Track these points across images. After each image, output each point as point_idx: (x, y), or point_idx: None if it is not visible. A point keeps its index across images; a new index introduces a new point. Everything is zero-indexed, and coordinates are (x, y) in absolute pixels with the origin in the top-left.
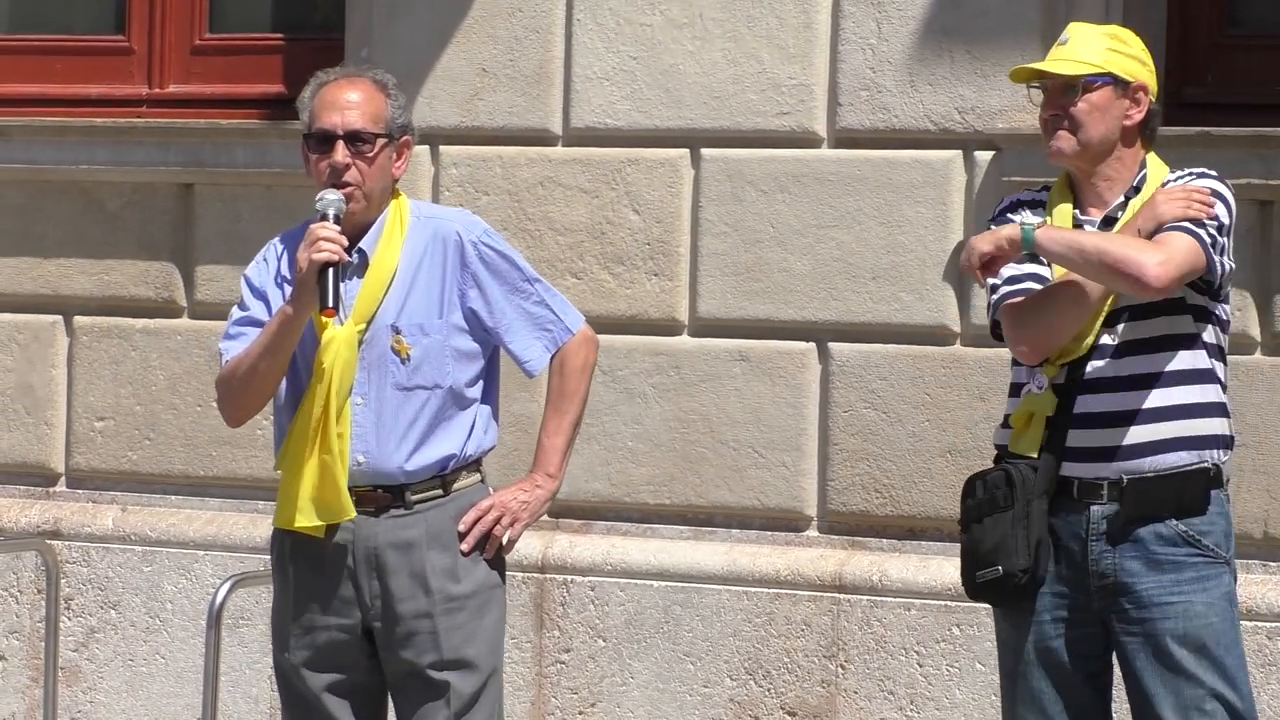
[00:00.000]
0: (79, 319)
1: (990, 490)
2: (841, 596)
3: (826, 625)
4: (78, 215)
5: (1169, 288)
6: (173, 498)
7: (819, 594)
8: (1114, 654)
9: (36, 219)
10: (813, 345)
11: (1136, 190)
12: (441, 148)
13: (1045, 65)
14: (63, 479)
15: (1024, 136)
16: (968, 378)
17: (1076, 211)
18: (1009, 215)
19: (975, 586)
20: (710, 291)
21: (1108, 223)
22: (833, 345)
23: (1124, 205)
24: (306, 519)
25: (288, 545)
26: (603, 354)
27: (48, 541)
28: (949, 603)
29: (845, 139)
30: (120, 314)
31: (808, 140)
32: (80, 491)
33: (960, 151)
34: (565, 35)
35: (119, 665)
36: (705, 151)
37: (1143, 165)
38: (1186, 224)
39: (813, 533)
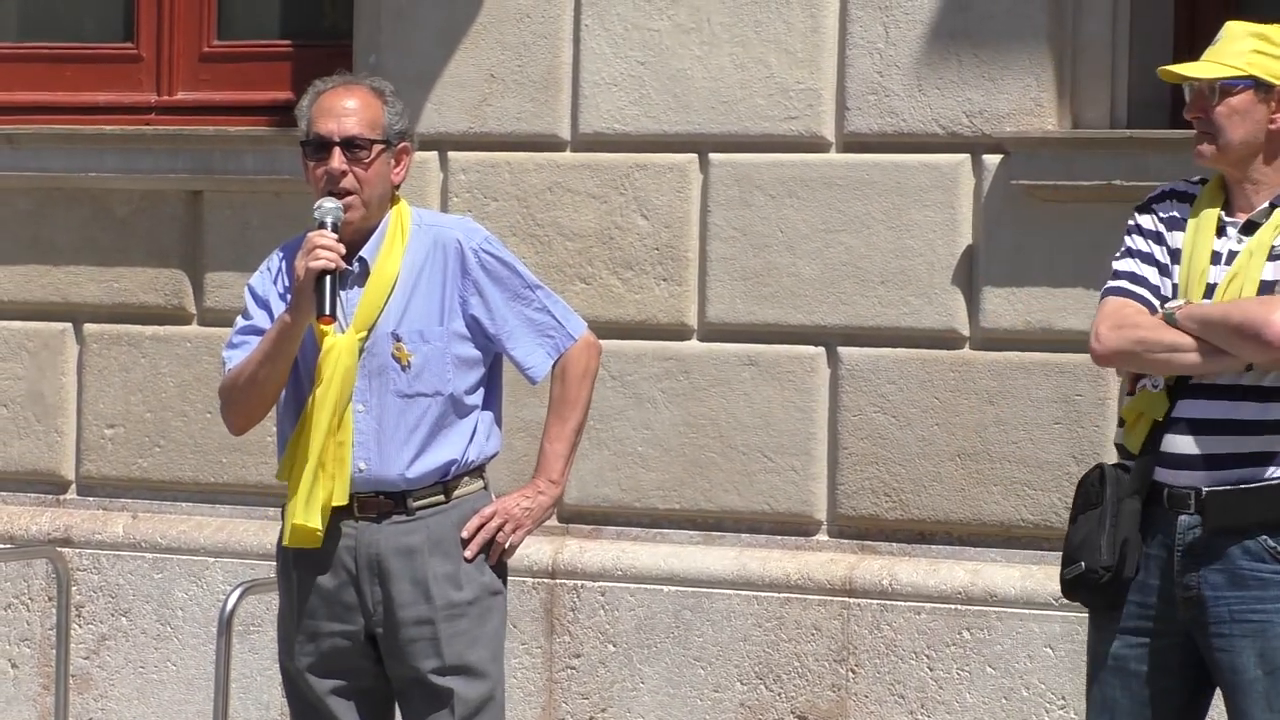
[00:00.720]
0: (88, 326)
1: (1085, 489)
2: (852, 600)
3: (837, 629)
4: (87, 222)
5: None
6: (183, 504)
7: (829, 598)
8: (1207, 668)
9: (46, 226)
10: (822, 349)
11: None
12: (450, 154)
13: (1184, 68)
14: (73, 486)
15: (1032, 140)
16: (977, 381)
17: (1222, 213)
18: (1154, 206)
19: (1064, 584)
20: (719, 296)
21: (1249, 226)
22: (842, 349)
23: (1269, 211)
24: (304, 519)
25: (291, 552)
26: (612, 359)
27: (58, 549)
28: (959, 606)
29: (853, 143)
30: (130, 321)
31: (816, 145)
32: (90, 499)
33: (968, 155)
34: (573, 41)
35: (130, 672)
36: (713, 156)
37: None
38: None
39: (823, 537)
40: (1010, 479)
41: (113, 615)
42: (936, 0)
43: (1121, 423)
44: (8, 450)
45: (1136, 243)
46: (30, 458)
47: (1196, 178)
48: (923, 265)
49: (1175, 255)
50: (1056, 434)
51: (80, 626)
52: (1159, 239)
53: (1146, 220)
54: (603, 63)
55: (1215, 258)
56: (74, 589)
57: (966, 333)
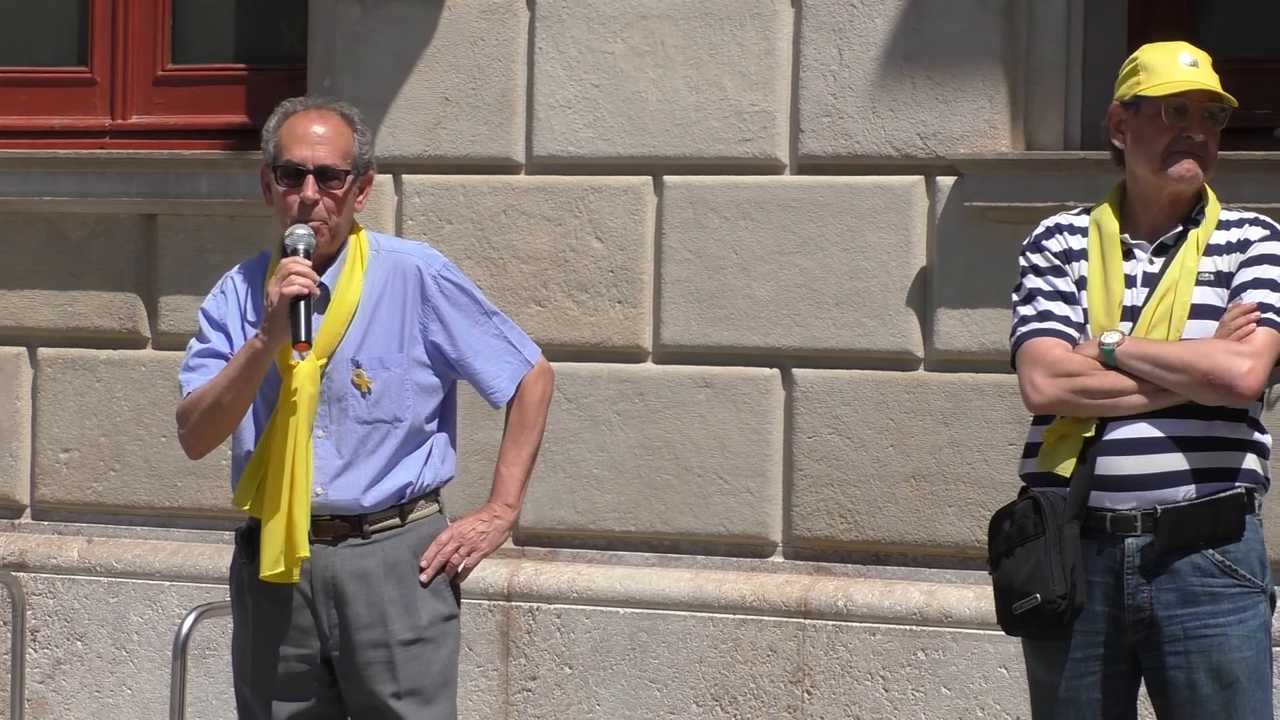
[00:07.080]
0: (43, 350)
1: (1019, 521)
2: (807, 622)
3: (792, 651)
4: (41, 246)
5: (1261, 391)
6: (138, 528)
7: (784, 619)
8: (1139, 691)
9: (0, 250)
10: (776, 371)
11: (1195, 222)
12: (404, 177)
13: (1218, 87)
14: (28, 510)
15: (985, 161)
16: (931, 403)
17: (1126, 236)
18: (1043, 244)
19: (1012, 619)
20: (674, 318)
21: (1161, 249)
22: (796, 371)
23: (1183, 235)
24: (271, 568)
25: (246, 576)
26: (567, 381)
27: (13, 573)
28: (914, 627)
29: (807, 165)
30: (84, 345)
31: (770, 167)
32: (45, 523)
33: (922, 177)
34: (527, 63)
35: (85, 697)
36: (668, 179)
37: (1203, 195)
38: (1268, 314)
39: (778, 558)
40: (965, 500)
41: (68, 639)
42: (890, 23)
43: (1027, 454)
44: None
45: (1035, 282)
46: None
47: (1078, 209)
48: (877, 287)
49: (1081, 284)
50: (1011, 455)
51: (35, 651)
52: (1058, 271)
53: (1039, 258)
54: (557, 85)
55: (1129, 281)
56: (29, 613)
57: (921, 354)
